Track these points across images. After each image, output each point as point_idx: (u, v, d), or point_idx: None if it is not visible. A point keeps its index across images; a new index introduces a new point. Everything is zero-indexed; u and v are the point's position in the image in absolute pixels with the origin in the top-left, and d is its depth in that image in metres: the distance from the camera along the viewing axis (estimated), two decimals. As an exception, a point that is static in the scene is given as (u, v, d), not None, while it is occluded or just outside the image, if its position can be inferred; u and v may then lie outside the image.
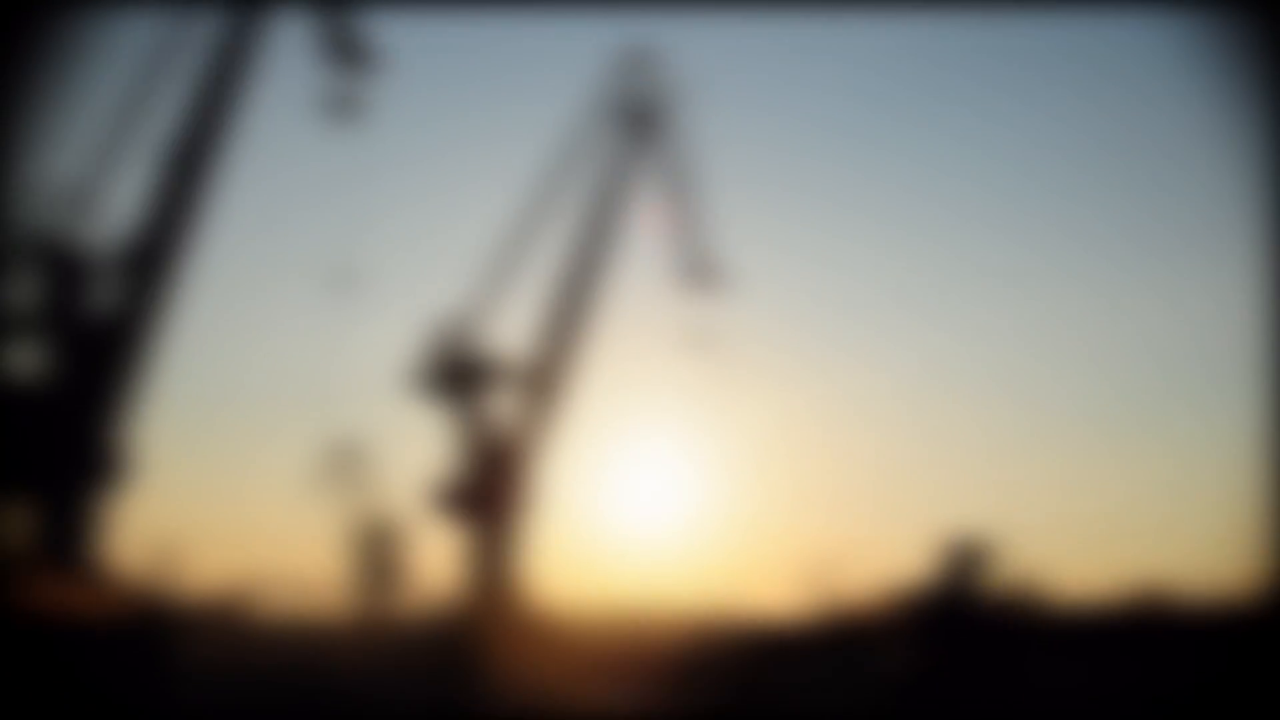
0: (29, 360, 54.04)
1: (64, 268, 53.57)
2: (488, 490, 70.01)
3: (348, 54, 59.56)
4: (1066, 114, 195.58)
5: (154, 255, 53.67)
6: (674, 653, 71.26)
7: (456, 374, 69.95)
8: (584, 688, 69.48)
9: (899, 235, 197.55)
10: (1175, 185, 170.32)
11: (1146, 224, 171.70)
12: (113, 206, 56.63)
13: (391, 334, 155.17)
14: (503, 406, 76.52)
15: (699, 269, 73.43)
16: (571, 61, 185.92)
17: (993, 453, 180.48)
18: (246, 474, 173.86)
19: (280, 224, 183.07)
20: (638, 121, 69.25)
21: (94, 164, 55.85)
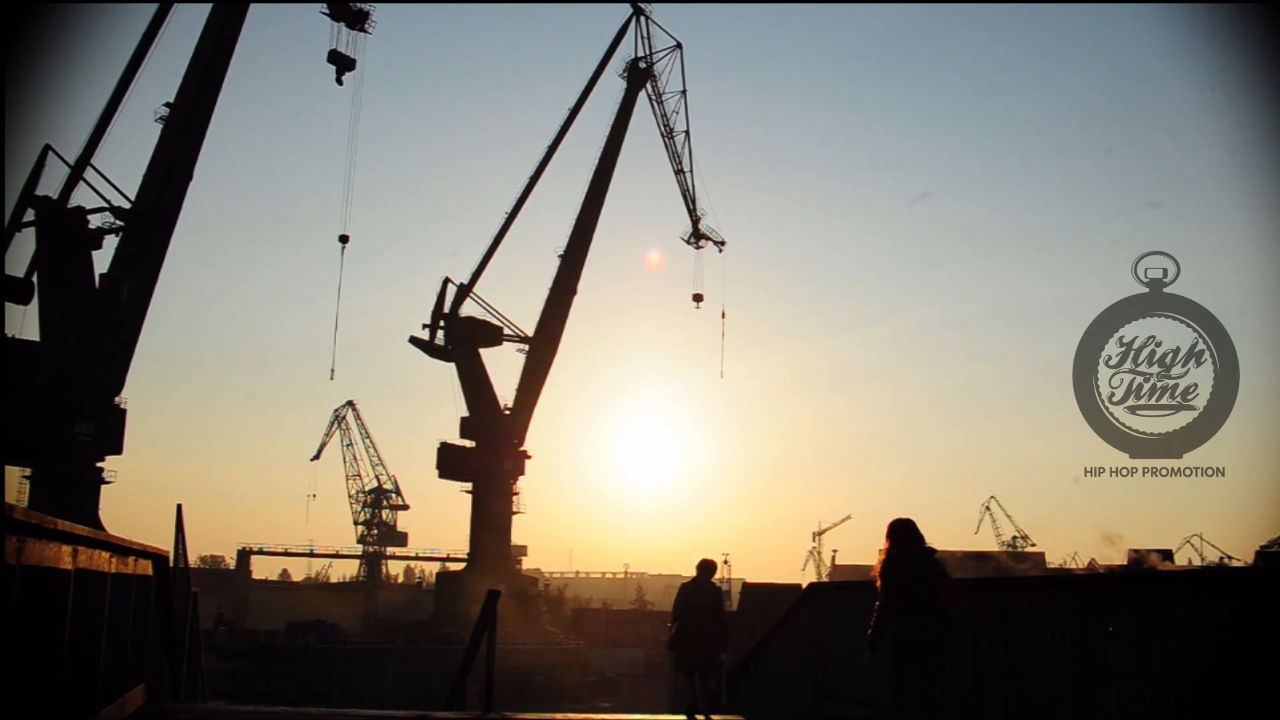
0: (30, 323, 54.62)
1: (64, 235, 53.83)
2: (491, 449, 70.51)
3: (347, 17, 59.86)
4: (1067, 101, 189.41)
5: (152, 222, 53.96)
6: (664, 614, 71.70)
7: (464, 333, 70.20)
8: (580, 646, 70.63)
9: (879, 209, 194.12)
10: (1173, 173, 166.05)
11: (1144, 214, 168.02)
12: (111, 177, 57.10)
13: (399, 295, 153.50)
14: (505, 364, 77.00)
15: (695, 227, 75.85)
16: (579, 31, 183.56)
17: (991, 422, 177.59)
18: (256, 435, 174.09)
19: (289, 189, 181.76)
20: (636, 71, 72.00)
21: (92, 139, 56.15)
